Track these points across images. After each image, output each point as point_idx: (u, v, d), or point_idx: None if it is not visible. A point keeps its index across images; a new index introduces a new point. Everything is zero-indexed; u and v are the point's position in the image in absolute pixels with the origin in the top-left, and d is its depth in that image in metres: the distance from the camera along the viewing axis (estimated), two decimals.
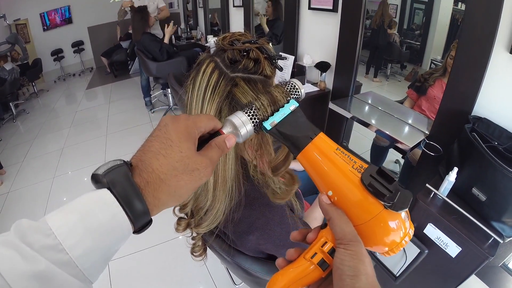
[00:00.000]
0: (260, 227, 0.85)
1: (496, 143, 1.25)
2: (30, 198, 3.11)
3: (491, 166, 1.13)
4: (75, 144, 4.15)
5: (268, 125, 0.50)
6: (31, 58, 6.64)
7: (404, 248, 1.41)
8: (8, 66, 5.47)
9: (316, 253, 0.44)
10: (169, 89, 4.49)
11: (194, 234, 1.01)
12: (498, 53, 1.32)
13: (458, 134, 1.39)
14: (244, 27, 3.70)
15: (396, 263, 1.46)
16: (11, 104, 5.48)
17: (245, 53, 0.69)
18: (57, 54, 7.43)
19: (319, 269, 0.44)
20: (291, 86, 0.56)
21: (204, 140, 0.47)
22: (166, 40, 4.08)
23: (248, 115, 0.50)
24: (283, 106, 0.52)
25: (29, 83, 6.60)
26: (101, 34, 7.68)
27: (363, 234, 0.43)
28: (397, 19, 2.10)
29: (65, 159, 3.78)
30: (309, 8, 2.55)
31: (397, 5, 2.07)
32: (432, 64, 1.92)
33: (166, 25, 4.12)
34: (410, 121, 1.91)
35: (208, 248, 1.06)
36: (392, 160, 2.46)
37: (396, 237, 0.42)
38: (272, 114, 0.51)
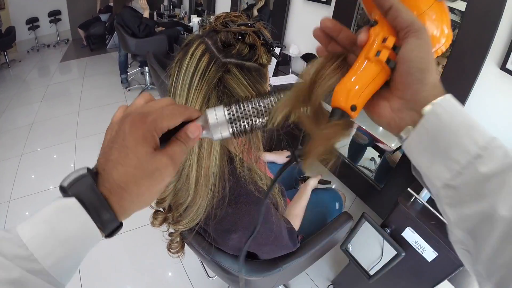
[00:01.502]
0: (245, 225, 0.82)
1: None
2: None
3: None
4: (45, 120, 3.96)
5: None
6: (4, 25, 6.27)
7: (382, 248, 1.43)
8: None
9: (379, 51, 0.38)
10: (147, 68, 4.34)
11: (172, 230, 0.96)
12: (488, 68, 1.33)
13: None
14: (232, 9, 3.60)
15: (372, 263, 1.47)
16: None
17: (240, 37, 0.64)
18: (32, 23, 7.00)
19: (386, 69, 0.38)
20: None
21: (173, 130, 0.41)
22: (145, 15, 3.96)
23: (230, 118, 0.41)
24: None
25: (0, 53, 6.21)
26: (80, 4, 7.32)
27: None
28: None
29: (35, 135, 3.61)
30: None
31: None
32: None
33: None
34: None
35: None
36: (368, 158, 2.48)
37: (437, 32, 0.40)
38: (266, 122, 0.43)
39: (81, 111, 4.11)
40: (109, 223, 0.38)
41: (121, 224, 0.39)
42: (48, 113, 4.14)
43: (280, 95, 0.43)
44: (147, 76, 4.49)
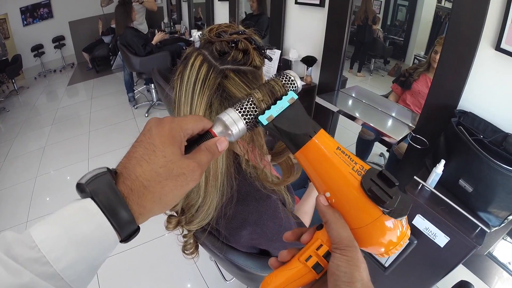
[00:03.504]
0: (253, 222, 0.84)
1: (481, 136, 1.27)
2: (13, 200, 3.03)
3: (477, 158, 1.15)
4: (57, 142, 4.04)
5: (264, 119, 0.46)
6: (11, 54, 6.42)
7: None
8: None
9: (310, 256, 0.44)
10: (152, 85, 4.44)
11: (186, 232, 0.99)
12: (483, 50, 1.35)
13: (444, 127, 1.41)
14: (230, 19, 3.66)
15: None
16: None
17: (233, 45, 0.68)
18: (38, 49, 7.18)
19: (313, 272, 0.44)
20: (287, 78, 0.51)
21: (194, 142, 0.44)
22: (153, 42, 4.06)
23: (240, 112, 0.46)
24: (280, 99, 0.48)
25: (8, 80, 6.35)
26: (83, 28, 7.47)
27: (360, 237, 0.42)
28: (380, 15, 2.11)
29: (47, 158, 3.69)
30: (296, 2, 2.54)
31: (381, 1, 2.09)
32: (416, 60, 1.95)
33: (157, 30, 4.19)
34: (396, 115, 1.93)
35: (199, 245, 1.05)
36: (377, 154, 2.49)
37: (393, 239, 0.41)
38: (268, 108, 0.47)
39: (91, 131, 4.18)
40: (126, 225, 0.36)
41: (138, 228, 0.38)
42: (59, 136, 4.21)
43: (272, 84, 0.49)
44: (154, 93, 4.57)
